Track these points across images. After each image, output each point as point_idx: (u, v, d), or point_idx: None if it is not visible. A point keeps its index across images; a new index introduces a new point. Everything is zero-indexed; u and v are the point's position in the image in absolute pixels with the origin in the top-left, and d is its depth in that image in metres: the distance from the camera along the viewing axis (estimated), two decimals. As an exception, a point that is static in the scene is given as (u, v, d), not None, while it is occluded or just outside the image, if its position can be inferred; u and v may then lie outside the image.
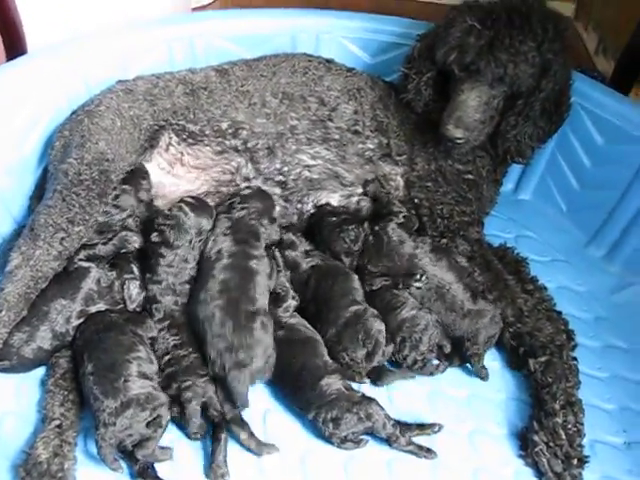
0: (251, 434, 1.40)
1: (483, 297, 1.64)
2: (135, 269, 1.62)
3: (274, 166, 1.80)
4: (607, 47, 2.67)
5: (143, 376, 1.41)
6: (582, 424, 1.45)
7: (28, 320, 1.47)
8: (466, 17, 1.60)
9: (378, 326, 1.54)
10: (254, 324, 1.48)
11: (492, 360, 1.64)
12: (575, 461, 1.40)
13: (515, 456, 1.46)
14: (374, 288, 1.66)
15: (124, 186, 1.66)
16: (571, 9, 2.97)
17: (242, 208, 1.71)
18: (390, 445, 1.41)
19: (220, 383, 1.44)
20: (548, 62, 1.62)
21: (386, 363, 1.58)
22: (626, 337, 1.73)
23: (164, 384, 1.44)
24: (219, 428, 1.40)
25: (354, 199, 1.84)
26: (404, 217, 1.76)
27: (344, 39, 2.05)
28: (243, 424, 1.41)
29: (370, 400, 1.43)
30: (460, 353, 1.59)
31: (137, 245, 1.66)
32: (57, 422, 1.38)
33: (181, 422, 1.42)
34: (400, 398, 1.53)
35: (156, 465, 1.35)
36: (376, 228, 1.73)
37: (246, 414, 1.44)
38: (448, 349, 1.59)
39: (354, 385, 1.50)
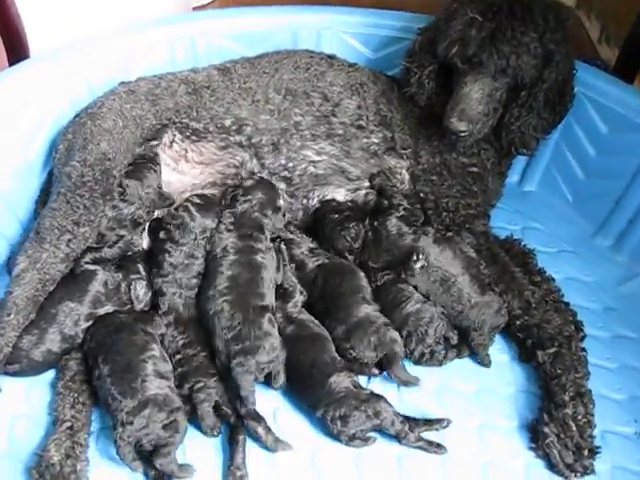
0: (268, 429, 1.40)
1: (490, 289, 1.64)
2: (141, 269, 1.63)
3: (279, 162, 1.80)
4: (610, 35, 2.66)
5: (159, 375, 1.42)
6: (592, 415, 1.45)
7: (37, 323, 1.48)
8: (467, 9, 1.59)
9: (393, 336, 1.53)
10: (262, 319, 1.50)
11: (500, 353, 1.64)
12: (586, 452, 1.40)
13: (525, 449, 1.46)
14: (378, 284, 1.66)
15: (130, 179, 1.67)
16: (572, -2, 2.96)
17: (245, 201, 1.71)
18: (399, 442, 1.41)
19: (227, 376, 1.44)
20: (550, 52, 1.61)
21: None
22: (635, 327, 1.72)
23: (176, 384, 1.45)
24: (236, 429, 1.40)
25: (362, 192, 1.84)
26: (404, 209, 1.75)
27: (345, 34, 2.05)
28: (259, 419, 1.41)
29: (378, 397, 1.43)
30: (467, 343, 1.59)
31: (144, 246, 1.69)
32: (68, 424, 1.39)
33: (196, 421, 1.42)
34: (408, 394, 1.53)
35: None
36: (375, 223, 1.73)
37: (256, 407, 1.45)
38: (455, 340, 1.59)
39: (362, 382, 1.51)
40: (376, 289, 1.65)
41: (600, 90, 1.86)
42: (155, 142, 1.77)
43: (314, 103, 1.83)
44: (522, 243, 1.85)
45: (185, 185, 1.80)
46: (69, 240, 1.53)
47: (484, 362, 1.58)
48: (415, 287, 1.64)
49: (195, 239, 1.65)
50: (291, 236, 1.75)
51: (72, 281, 1.55)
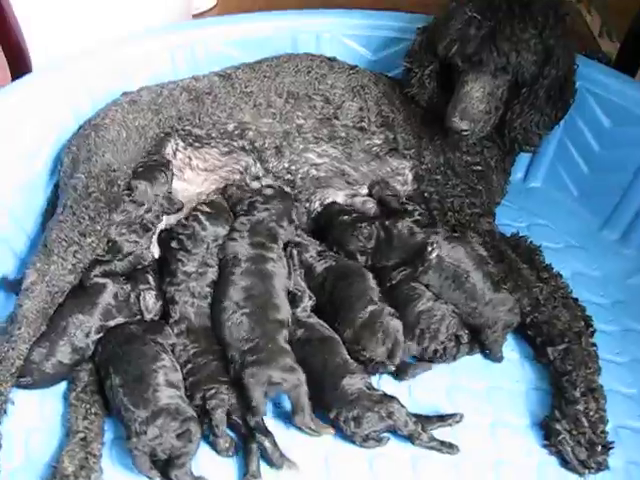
0: (274, 444, 1.39)
1: (503, 287, 1.63)
2: (151, 279, 1.63)
3: (282, 165, 1.81)
4: (611, 29, 2.65)
5: (170, 385, 1.42)
6: (604, 410, 1.44)
7: (47, 335, 1.49)
8: (466, 8, 1.59)
9: (395, 325, 1.54)
10: (279, 335, 1.50)
11: (510, 350, 1.63)
12: (599, 448, 1.39)
13: (538, 446, 1.45)
14: (394, 282, 1.65)
15: (139, 180, 1.67)
16: (573, -9, 2.95)
17: (264, 209, 1.72)
18: (412, 442, 1.41)
19: (239, 385, 1.45)
20: (551, 48, 1.61)
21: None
22: (645, 320, 1.72)
23: (188, 394, 1.45)
24: (249, 437, 1.40)
25: (358, 199, 1.84)
26: (419, 215, 1.76)
27: (345, 37, 2.05)
28: (267, 433, 1.40)
29: (391, 399, 1.43)
30: (478, 341, 1.59)
31: (155, 255, 1.70)
32: (81, 435, 1.39)
33: (209, 435, 1.42)
34: (419, 393, 1.53)
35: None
36: (386, 223, 1.73)
37: (268, 412, 1.46)
38: (465, 339, 1.58)
39: (374, 383, 1.51)
40: (389, 288, 1.65)
41: (602, 84, 1.85)
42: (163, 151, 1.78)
43: (316, 106, 1.84)
44: (528, 240, 1.84)
45: (191, 193, 1.81)
46: (76, 251, 1.54)
47: (497, 359, 1.58)
48: (427, 286, 1.64)
49: (208, 248, 1.66)
50: (299, 239, 1.76)
51: (82, 293, 1.55)
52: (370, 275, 1.67)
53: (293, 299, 1.62)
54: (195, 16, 2.80)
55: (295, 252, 1.71)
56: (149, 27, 2.09)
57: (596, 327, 1.65)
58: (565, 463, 1.41)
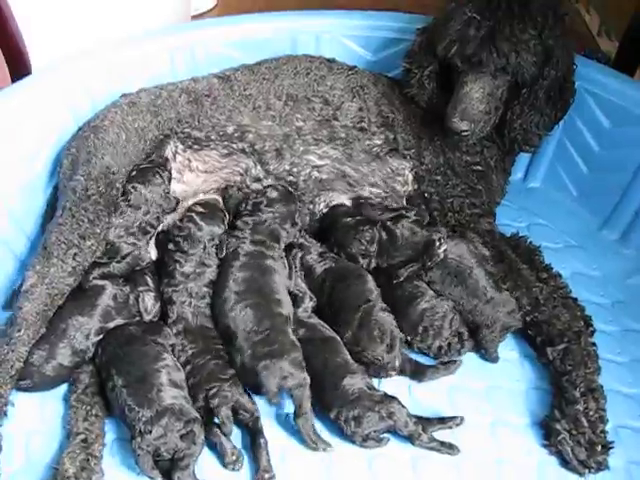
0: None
1: (505, 288, 1.64)
2: (149, 280, 1.64)
3: (283, 167, 1.81)
4: (609, 28, 2.65)
5: (174, 385, 1.43)
6: (604, 410, 1.45)
7: (47, 338, 1.49)
8: (465, 9, 1.59)
9: (388, 319, 1.55)
10: (288, 329, 1.52)
11: (510, 350, 1.64)
12: (599, 448, 1.39)
13: (538, 446, 1.46)
14: (401, 279, 1.65)
15: (133, 184, 1.67)
16: (571, -9, 2.96)
17: (268, 212, 1.72)
18: (412, 443, 1.41)
19: (247, 375, 1.45)
20: (550, 49, 1.61)
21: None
22: (645, 320, 1.72)
23: (191, 394, 1.45)
24: (256, 433, 1.41)
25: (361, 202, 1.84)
26: (415, 214, 1.76)
27: (344, 38, 2.05)
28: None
29: (392, 399, 1.43)
30: (476, 340, 1.60)
31: (152, 258, 1.70)
32: (82, 437, 1.40)
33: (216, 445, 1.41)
34: (420, 393, 1.54)
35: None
36: (388, 223, 1.73)
37: (269, 413, 1.47)
38: (466, 336, 1.59)
39: (375, 383, 1.51)
40: (394, 286, 1.65)
41: (601, 84, 1.86)
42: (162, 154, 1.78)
43: (315, 108, 1.84)
44: (528, 240, 1.84)
45: (191, 195, 1.81)
46: (75, 254, 1.54)
47: (492, 359, 1.59)
48: (429, 283, 1.65)
49: (204, 248, 1.66)
50: (302, 240, 1.76)
51: (81, 296, 1.55)
52: (369, 277, 1.67)
53: (294, 300, 1.63)
54: (194, 17, 2.80)
55: (299, 255, 1.71)
56: (148, 28, 2.09)
57: (596, 327, 1.66)
58: (565, 463, 1.41)
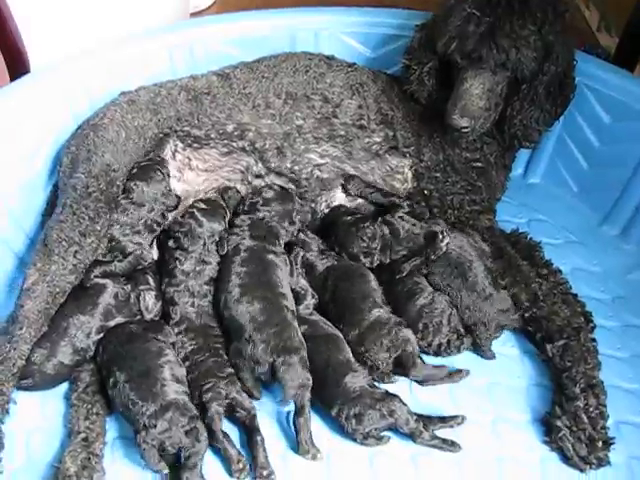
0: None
1: (503, 287, 1.64)
2: (150, 279, 1.63)
3: (285, 165, 1.81)
4: (609, 23, 2.65)
5: (177, 380, 1.43)
6: (604, 406, 1.45)
7: (48, 336, 1.49)
8: (464, 5, 1.58)
9: (405, 334, 1.53)
10: (296, 323, 1.52)
11: (511, 346, 1.64)
12: (600, 444, 1.40)
13: (540, 442, 1.46)
14: (404, 274, 1.65)
15: (134, 181, 1.68)
16: (571, -14, 2.94)
17: (265, 210, 1.72)
18: (414, 441, 1.41)
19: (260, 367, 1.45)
20: (550, 45, 1.60)
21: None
22: (645, 315, 1.72)
23: (189, 390, 1.45)
24: (253, 430, 1.41)
25: (361, 201, 1.84)
26: (407, 205, 1.77)
27: (343, 34, 2.04)
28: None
29: (393, 397, 1.43)
30: (472, 336, 1.60)
31: (154, 257, 1.70)
32: (83, 435, 1.40)
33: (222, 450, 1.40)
34: (421, 391, 1.54)
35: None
36: (387, 217, 1.74)
37: (269, 410, 1.47)
38: (463, 332, 1.60)
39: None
40: (397, 281, 1.65)
41: (601, 79, 1.85)
42: (161, 152, 1.78)
43: (315, 105, 1.83)
44: (528, 236, 1.84)
45: (191, 194, 1.81)
46: (76, 251, 1.54)
47: (487, 357, 1.59)
48: (428, 274, 1.65)
49: (204, 244, 1.66)
50: (303, 237, 1.76)
51: (82, 294, 1.55)
52: (372, 276, 1.68)
53: (296, 297, 1.63)
54: (193, 14, 2.79)
55: (301, 253, 1.72)
56: (147, 26, 2.09)
57: (596, 323, 1.65)
58: (567, 459, 1.41)
